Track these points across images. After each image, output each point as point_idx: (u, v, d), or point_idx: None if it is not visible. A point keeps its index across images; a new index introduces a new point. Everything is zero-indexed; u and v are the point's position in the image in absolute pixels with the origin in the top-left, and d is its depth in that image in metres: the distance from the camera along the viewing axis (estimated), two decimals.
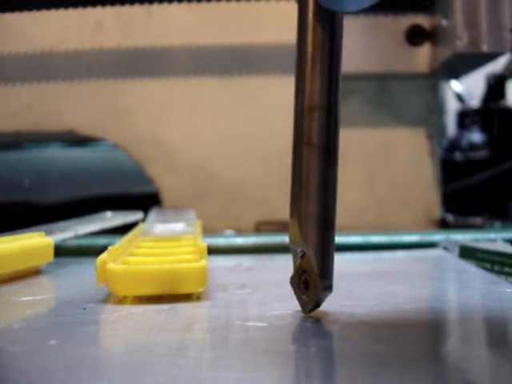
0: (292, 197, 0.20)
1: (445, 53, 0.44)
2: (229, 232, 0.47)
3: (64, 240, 0.35)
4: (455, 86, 0.72)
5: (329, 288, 0.20)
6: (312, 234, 0.20)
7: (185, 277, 0.23)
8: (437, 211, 0.49)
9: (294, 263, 0.21)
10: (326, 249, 0.20)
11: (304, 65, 0.20)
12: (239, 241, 0.38)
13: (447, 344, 0.19)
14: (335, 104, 0.20)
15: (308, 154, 0.20)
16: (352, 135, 0.49)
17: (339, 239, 0.37)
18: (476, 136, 0.66)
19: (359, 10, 0.19)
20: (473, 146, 0.65)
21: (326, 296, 0.20)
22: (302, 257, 0.20)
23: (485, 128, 0.67)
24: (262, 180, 0.49)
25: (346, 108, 0.49)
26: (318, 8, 0.19)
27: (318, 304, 0.20)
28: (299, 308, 0.21)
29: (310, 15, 0.19)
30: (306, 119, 0.20)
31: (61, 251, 0.34)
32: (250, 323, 0.20)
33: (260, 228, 0.49)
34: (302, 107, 0.20)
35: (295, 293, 0.21)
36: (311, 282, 0.20)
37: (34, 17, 0.48)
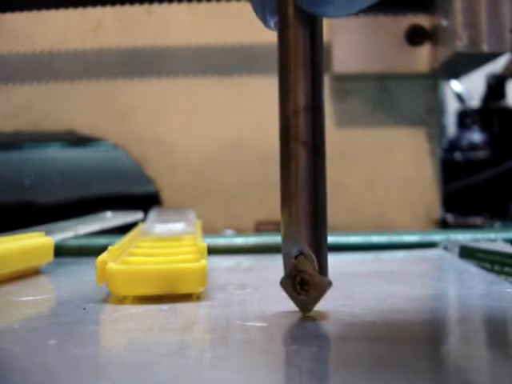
0: (282, 197, 0.20)
1: (445, 53, 0.44)
2: (229, 232, 0.47)
3: (64, 240, 0.35)
4: (455, 85, 0.72)
5: (330, 284, 0.20)
6: (306, 231, 0.20)
7: (185, 277, 0.23)
8: (437, 211, 0.49)
9: (285, 266, 0.21)
10: (320, 246, 0.20)
11: (286, 66, 0.20)
12: (239, 241, 0.38)
13: (447, 344, 0.19)
14: (320, 102, 0.20)
15: (296, 151, 0.20)
16: (352, 135, 0.49)
17: (339, 239, 0.37)
18: (476, 136, 0.66)
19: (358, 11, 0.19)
20: (473, 146, 0.65)
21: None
22: (296, 257, 0.20)
23: (485, 128, 0.67)
24: (261, 180, 0.49)
25: (346, 108, 0.49)
26: (298, 11, 0.20)
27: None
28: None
29: (291, 18, 0.20)
30: (293, 119, 0.20)
31: (61, 251, 0.34)
32: (250, 323, 0.20)
33: (260, 228, 0.49)
34: (287, 107, 0.20)
35: (290, 295, 0.21)
36: (311, 281, 0.20)
37: (33, 17, 0.48)
